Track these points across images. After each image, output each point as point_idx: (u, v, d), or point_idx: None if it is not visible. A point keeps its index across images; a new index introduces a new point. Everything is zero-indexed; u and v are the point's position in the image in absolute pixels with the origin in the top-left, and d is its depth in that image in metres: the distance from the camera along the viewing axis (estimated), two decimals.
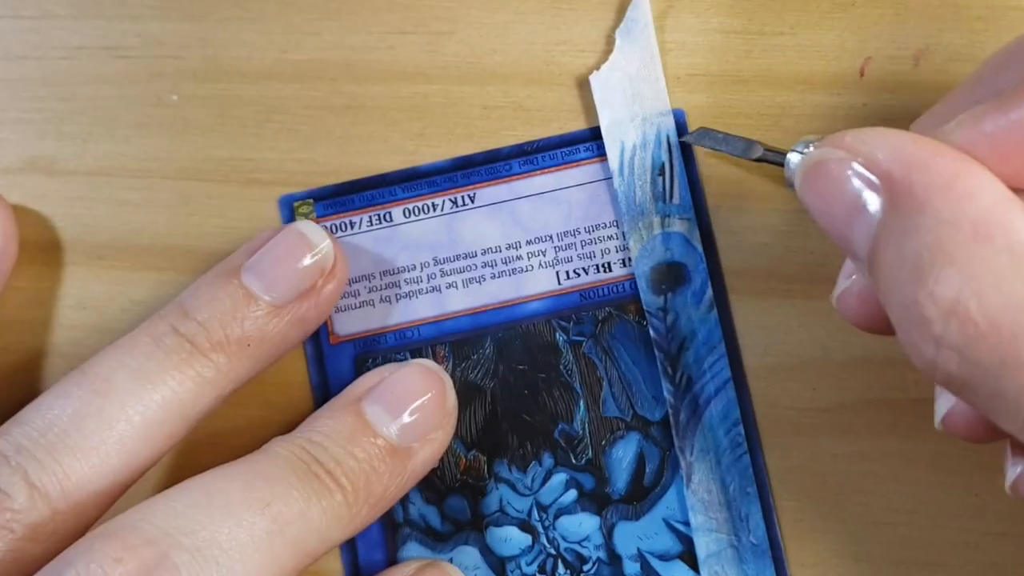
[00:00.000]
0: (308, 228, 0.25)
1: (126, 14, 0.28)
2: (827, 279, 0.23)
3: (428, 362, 0.26)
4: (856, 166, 0.18)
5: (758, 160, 0.25)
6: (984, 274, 0.16)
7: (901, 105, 0.26)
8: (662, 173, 0.26)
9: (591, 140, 0.26)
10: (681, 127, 0.26)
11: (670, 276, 0.26)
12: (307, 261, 0.24)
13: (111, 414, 0.23)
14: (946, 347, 0.17)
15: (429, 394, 0.24)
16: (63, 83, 0.28)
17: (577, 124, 0.27)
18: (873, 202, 0.18)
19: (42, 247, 0.27)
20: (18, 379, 0.27)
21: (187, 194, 0.27)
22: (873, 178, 0.18)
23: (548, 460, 0.26)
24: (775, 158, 0.24)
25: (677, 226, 0.26)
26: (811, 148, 0.20)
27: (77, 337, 0.27)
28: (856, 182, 0.18)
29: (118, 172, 0.27)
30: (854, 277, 0.22)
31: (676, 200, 0.25)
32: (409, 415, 0.24)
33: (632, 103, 0.26)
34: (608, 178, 0.26)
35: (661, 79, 0.26)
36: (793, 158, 0.22)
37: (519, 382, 0.26)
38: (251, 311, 0.24)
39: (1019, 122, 0.17)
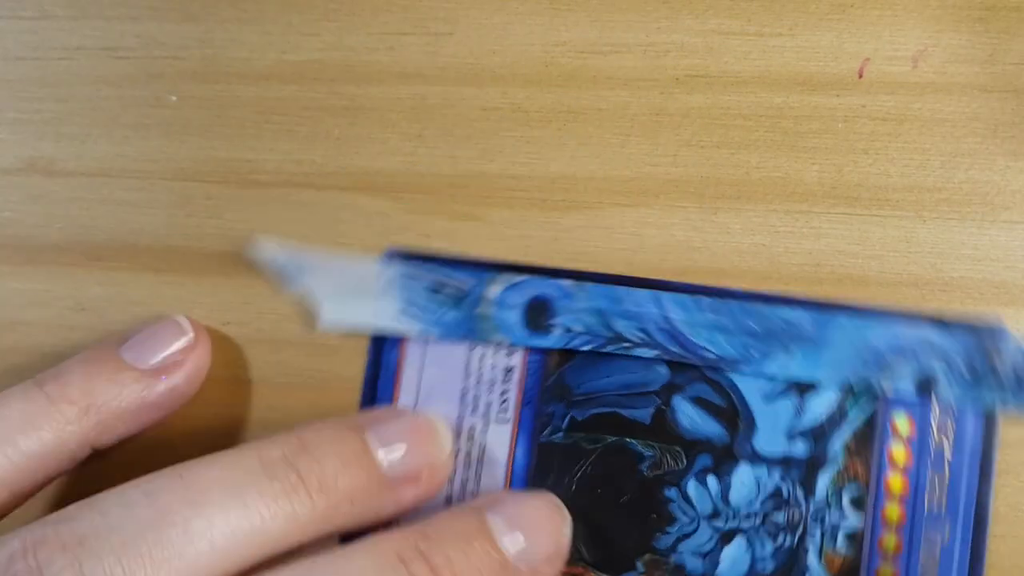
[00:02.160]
0: (437, 419, 0.25)
1: (125, 15, 0.28)
2: None
3: (554, 499, 0.24)
4: None
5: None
6: None
7: (900, 106, 0.26)
8: None
9: None
10: None
11: None
12: (437, 449, 0.24)
13: (196, 529, 0.21)
14: None
15: (552, 525, 0.24)
16: (61, 84, 0.28)
17: (574, 125, 0.27)
18: None
19: (40, 248, 0.27)
20: (17, 381, 0.27)
21: (186, 195, 0.27)
22: None
23: None
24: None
25: None
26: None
27: (76, 338, 0.27)
28: None
29: (117, 173, 0.27)
30: None
31: None
32: (528, 541, 0.23)
33: None
34: None
35: None
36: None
37: None
38: (366, 470, 0.23)
39: None
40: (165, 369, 0.25)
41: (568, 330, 0.26)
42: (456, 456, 0.26)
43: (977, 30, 0.26)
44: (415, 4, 0.27)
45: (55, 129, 0.28)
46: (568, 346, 0.26)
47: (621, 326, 0.26)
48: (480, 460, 0.26)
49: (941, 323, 0.25)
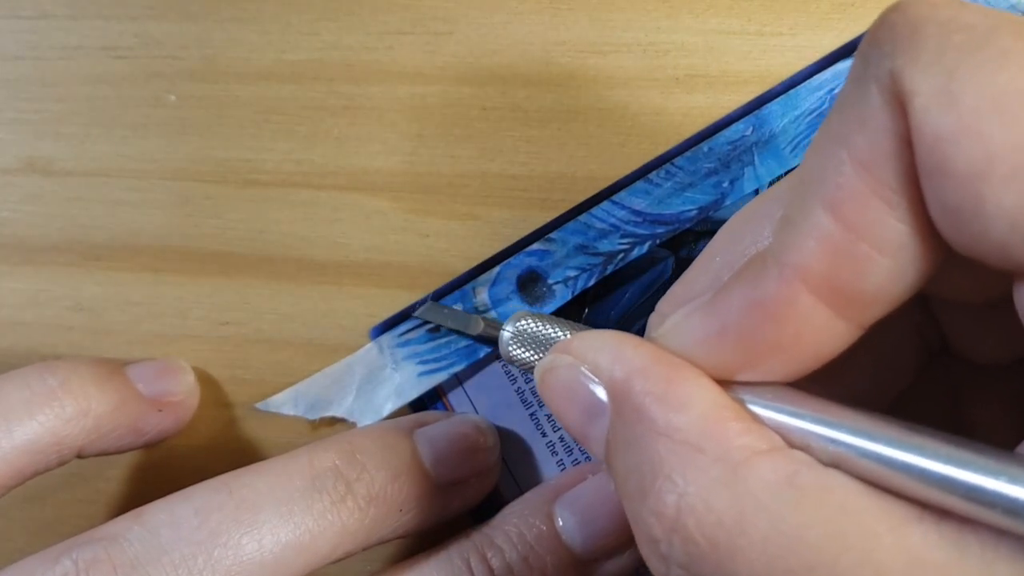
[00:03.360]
0: (485, 424, 0.25)
1: (124, 14, 0.28)
2: None
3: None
4: (585, 371, 0.18)
5: (477, 337, 0.25)
6: (698, 489, 0.15)
7: None
8: None
9: None
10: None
11: None
12: (485, 456, 0.25)
13: (247, 549, 0.21)
14: (674, 565, 0.16)
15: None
16: (61, 83, 0.28)
17: (574, 125, 0.27)
18: (602, 408, 0.18)
19: (39, 248, 0.27)
20: None
21: (185, 195, 0.27)
22: (599, 384, 0.18)
23: None
24: (491, 334, 0.25)
25: None
26: (523, 323, 0.22)
27: (75, 338, 0.27)
28: (587, 387, 0.18)
29: (115, 173, 0.27)
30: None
31: None
32: (601, 530, 0.23)
33: None
34: None
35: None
36: (504, 335, 0.22)
37: None
38: (416, 479, 0.23)
39: (725, 326, 0.17)
40: (163, 403, 0.25)
41: (565, 280, 0.26)
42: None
43: None
44: (415, 4, 0.27)
45: (54, 129, 0.27)
46: (576, 292, 0.26)
47: (605, 245, 0.26)
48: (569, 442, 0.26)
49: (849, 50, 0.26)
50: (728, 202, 0.26)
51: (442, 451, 0.24)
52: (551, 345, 0.20)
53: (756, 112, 0.26)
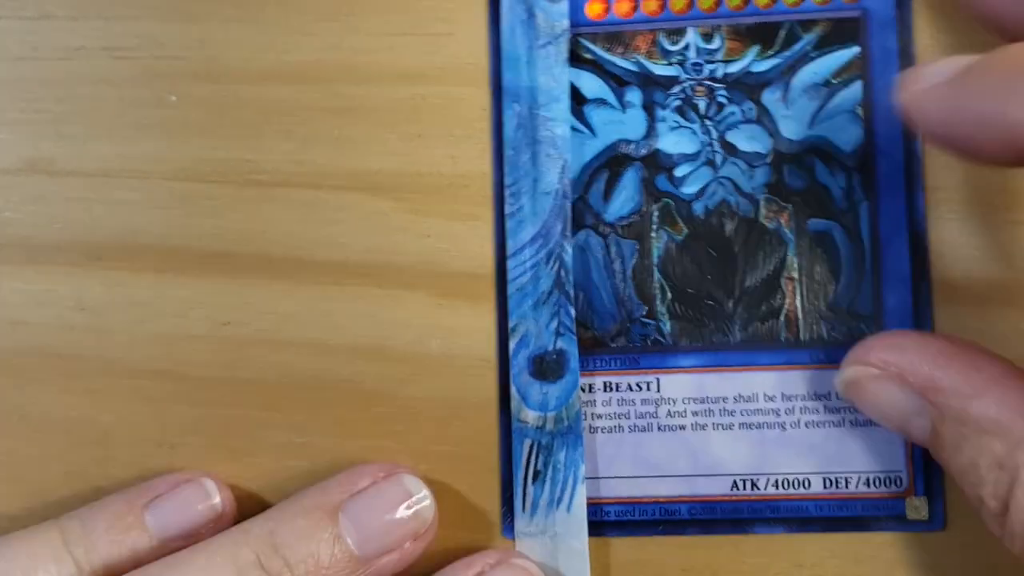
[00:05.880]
0: (411, 482, 0.25)
1: (125, 15, 0.28)
2: None
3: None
4: (896, 382, 0.21)
5: None
6: None
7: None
8: None
9: None
10: None
11: None
12: (404, 516, 0.24)
13: None
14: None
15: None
16: (62, 84, 0.28)
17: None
18: (922, 409, 0.20)
19: (41, 248, 0.27)
20: (17, 381, 0.27)
21: (186, 195, 0.27)
22: (914, 390, 0.20)
23: None
24: None
25: None
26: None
27: (76, 338, 0.27)
28: (903, 395, 0.20)
29: (117, 173, 0.27)
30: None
31: None
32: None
33: None
34: None
35: None
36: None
37: None
38: (343, 563, 0.23)
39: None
40: (185, 540, 0.24)
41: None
42: None
43: (978, 29, 0.26)
44: (415, 4, 0.27)
45: (56, 129, 0.28)
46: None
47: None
48: None
49: None
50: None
51: (369, 529, 0.24)
52: None
53: None
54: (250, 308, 0.27)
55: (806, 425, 0.25)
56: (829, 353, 0.25)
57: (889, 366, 0.20)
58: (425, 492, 0.25)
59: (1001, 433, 0.19)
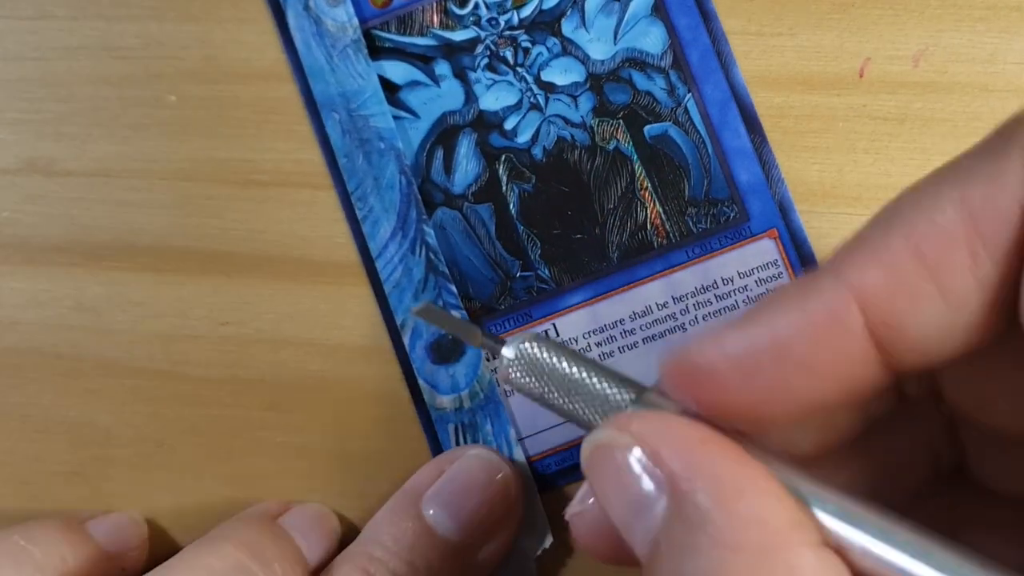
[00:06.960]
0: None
1: (125, 15, 0.28)
2: None
3: (486, 452, 0.25)
4: (643, 459, 0.16)
5: (479, 346, 0.21)
6: None
7: (901, 105, 0.26)
8: None
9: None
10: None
11: None
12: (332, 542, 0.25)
13: None
14: None
15: (492, 488, 0.24)
16: (62, 84, 0.28)
17: None
18: (657, 503, 0.16)
19: (41, 248, 0.27)
20: (17, 381, 0.27)
21: (185, 195, 0.27)
22: (659, 475, 0.16)
23: None
24: (492, 348, 0.20)
25: None
26: (530, 347, 0.18)
27: (76, 338, 0.27)
28: (643, 477, 0.16)
29: (117, 173, 0.27)
30: (591, 502, 0.19)
31: None
32: (471, 514, 0.24)
33: None
34: None
35: None
36: (505, 356, 0.19)
37: None
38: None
39: (760, 341, 0.16)
40: (122, 559, 0.25)
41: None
42: None
43: (978, 29, 0.26)
44: None
45: (55, 129, 0.28)
46: None
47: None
48: None
49: None
50: None
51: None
52: (559, 381, 0.18)
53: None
54: (250, 308, 0.27)
55: (704, 319, 0.26)
56: (703, 244, 0.26)
57: (644, 442, 0.17)
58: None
59: None
